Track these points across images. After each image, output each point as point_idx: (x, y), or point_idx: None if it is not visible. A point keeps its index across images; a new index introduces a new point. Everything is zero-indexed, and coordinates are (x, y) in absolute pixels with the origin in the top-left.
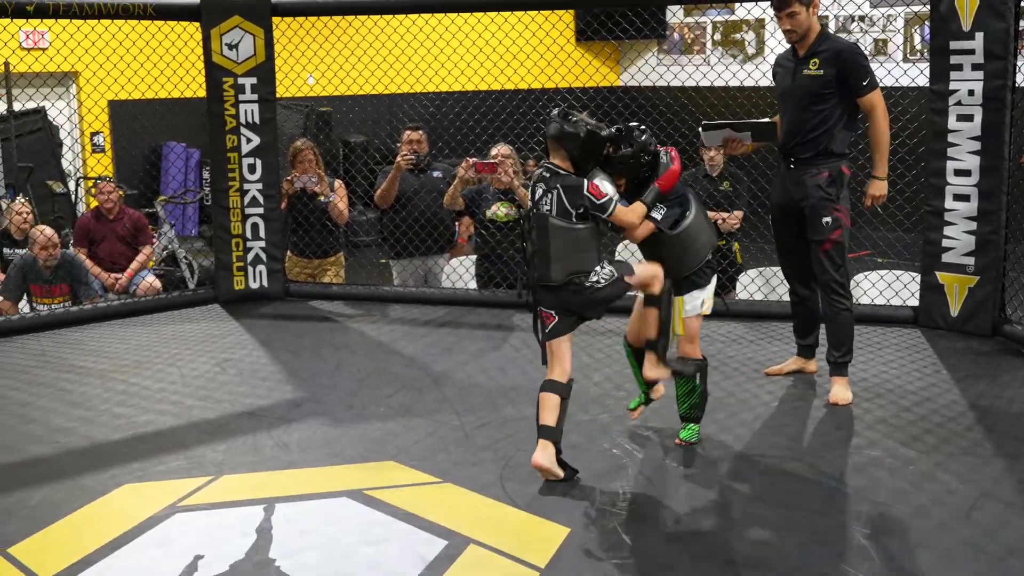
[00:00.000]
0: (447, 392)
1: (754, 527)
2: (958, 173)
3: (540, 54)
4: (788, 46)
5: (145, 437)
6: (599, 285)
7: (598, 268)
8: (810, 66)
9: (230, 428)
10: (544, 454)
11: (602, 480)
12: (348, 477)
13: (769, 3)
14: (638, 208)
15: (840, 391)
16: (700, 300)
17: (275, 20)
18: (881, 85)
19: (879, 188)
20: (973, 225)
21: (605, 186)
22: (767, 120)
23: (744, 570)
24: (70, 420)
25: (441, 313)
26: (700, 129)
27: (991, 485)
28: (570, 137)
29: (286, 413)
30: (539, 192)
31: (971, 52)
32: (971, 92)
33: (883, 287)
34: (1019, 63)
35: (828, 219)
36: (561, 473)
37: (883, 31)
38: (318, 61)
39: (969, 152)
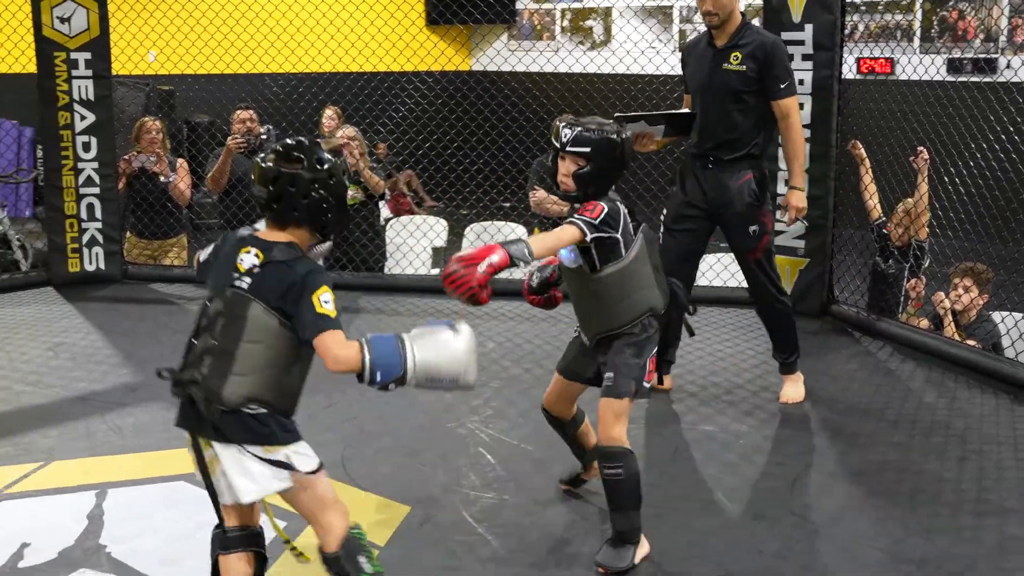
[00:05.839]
0: None
1: (594, 501)
2: None
3: (385, 36)
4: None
5: None
6: None
7: None
8: (731, 60)
9: (61, 413)
10: None
11: (445, 459)
12: (185, 461)
13: None
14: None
15: (791, 390)
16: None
17: None
18: None
19: (800, 199)
20: None
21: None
22: (685, 111)
23: (580, 542)
24: None
25: None
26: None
27: (816, 456)
28: None
29: (121, 398)
30: None
31: (801, 43)
32: (801, 82)
33: (720, 269)
34: (847, 55)
35: (755, 227)
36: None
37: None
38: (155, 37)
39: None
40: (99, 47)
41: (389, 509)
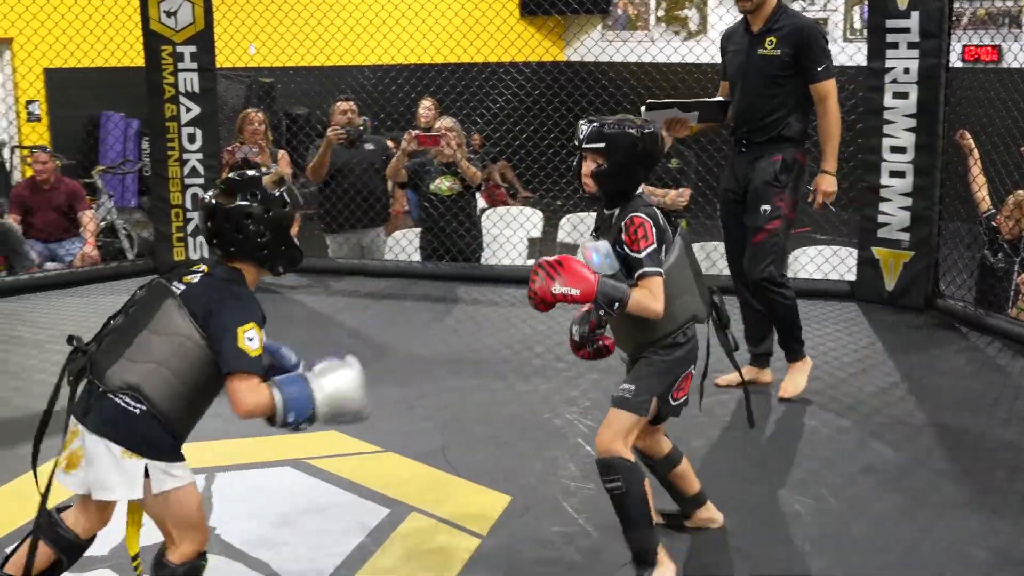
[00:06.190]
0: (389, 363)
1: None
2: (894, 150)
3: (483, 27)
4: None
5: None
6: None
7: None
8: (766, 45)
9: None
10: None
11: (542, 449)
12: (289, 446)
13: None
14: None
15: (791, 381)
16: None
17: None
18: None
19: (829, 183)
20: (908, 201)
21: None
22: (718, 99)
23: (682, 536)
24: (4, 390)
25: (384, 285)
26: (643, 108)
27: (922, 452)
28: None
29: None
30: None
31: (907, 31)
32: (907, 70)
33: (821, 262)
34: (953, 43)
35: (767, 207)
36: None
37: (823, 9)
38: (258, 31)
39: (904, 129)
40: (204, 40)
41: (490, 499)
